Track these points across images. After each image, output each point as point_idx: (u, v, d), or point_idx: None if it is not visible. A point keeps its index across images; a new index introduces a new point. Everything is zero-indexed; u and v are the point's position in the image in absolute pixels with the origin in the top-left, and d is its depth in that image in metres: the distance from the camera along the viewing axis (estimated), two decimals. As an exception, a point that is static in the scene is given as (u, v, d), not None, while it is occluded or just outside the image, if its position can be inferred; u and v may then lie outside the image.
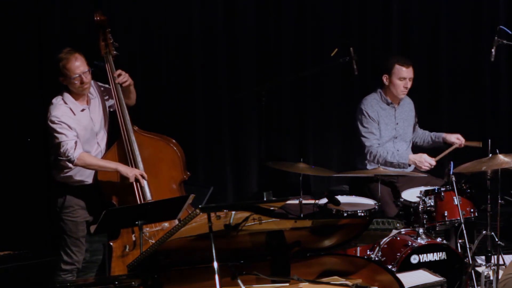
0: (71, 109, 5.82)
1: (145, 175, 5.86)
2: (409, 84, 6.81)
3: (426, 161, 6.74)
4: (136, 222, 5.23)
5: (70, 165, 5.81)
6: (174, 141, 6.10)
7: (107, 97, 6.10)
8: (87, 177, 5.92)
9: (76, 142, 5.76)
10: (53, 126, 5.76)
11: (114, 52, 6.02)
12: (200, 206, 4.07)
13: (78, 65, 5.76)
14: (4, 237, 6.87)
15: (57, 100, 5.84)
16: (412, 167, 6.85)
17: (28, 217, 7.02)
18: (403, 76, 6.78)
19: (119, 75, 5.94)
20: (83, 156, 5.77)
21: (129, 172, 5.82)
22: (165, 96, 7.68)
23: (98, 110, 5.99)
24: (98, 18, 6.02)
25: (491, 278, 5.85)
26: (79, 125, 5.83)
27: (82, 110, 5.88)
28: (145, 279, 4.36)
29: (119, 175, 5.85)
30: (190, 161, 7.57)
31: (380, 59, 8.39)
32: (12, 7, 6.99)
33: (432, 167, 6.74)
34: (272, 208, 4.27)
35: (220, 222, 4.20)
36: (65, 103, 5.83)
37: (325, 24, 8.23)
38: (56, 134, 5.76)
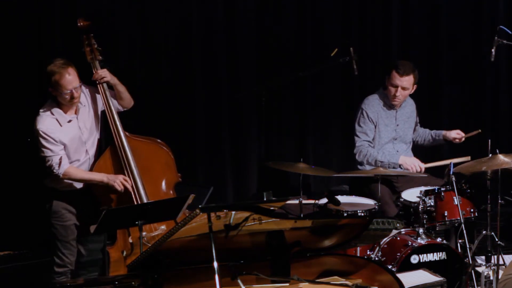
0: (57, 120, 5.73)
1: (127, 179, 5.80)
2: (401, 93, 6.71)
3: (417, 162, 6.73)
4: (136, 222, 5.22)
5: None
6: (163, 142, 6.02)
7: (98, 101, 5.94)
8: (76, 182, 5.85)
9: (61, 158, 5.70)
10: (39, 139, 5.69)
11: (100, 57, 5.88)
12: (200, 206, 4.07)
13: (71, 81, 5.63)
14: (4, 237, 6.87)
15: (44, 112, 5.74)
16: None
17: (28, 217, 7.01)
18: (395, 83, 6.73)
19: (97, 72, 5.83)
20: (69, 171, 5.72)
21: (112, 181, 5.75)
22: (165, 96, 7.68)
23: (88, 117, 5.88)
24: (81, 23, 5.88)
25: (491, 278, 5.85)
26: (66, 136, 5.74)
27: (69, 121, 5.77)
28: (145, 279, 4.35)
29: None
30: (190, 161, 7.57)
31: (380, 59, 8.41)
32: (12, 7, 6.99)
33: (421, 171, 6.71)
34: (272, 208, 4.27)
35: (220, 222, 4.20)
36: (52, 114, 5.73)
37: (325, 24, 8.23)
38: (42, 148, 5.70)
